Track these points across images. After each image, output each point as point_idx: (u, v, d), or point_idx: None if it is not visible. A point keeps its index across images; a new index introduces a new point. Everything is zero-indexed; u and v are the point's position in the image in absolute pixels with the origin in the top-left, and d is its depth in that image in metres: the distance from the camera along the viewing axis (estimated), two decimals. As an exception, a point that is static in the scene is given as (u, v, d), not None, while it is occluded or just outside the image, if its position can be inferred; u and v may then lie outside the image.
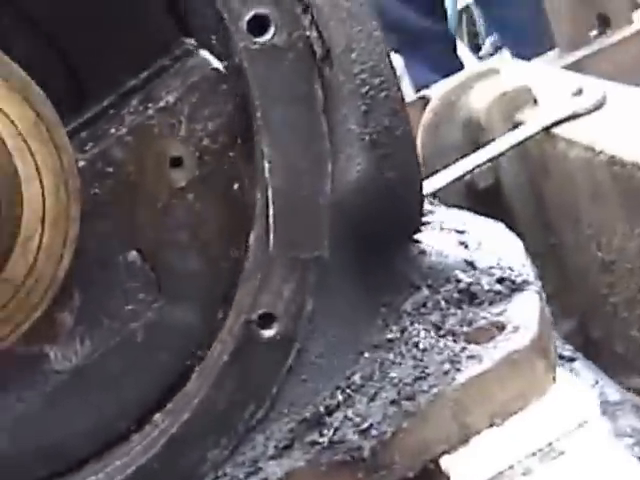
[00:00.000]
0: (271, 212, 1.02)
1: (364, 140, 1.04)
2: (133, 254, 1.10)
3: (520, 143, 2.11)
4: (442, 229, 1.34)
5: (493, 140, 2.15)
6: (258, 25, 0.98)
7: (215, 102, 1.08)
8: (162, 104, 1.07)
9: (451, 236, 1.32)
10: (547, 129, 2.09)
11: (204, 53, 1.13)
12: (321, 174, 1.03)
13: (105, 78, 1.12)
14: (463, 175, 2.09)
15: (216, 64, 1.09)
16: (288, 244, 1.04)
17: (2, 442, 1.12)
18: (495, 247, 1.29)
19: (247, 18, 0.98)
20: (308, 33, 0.99)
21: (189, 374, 1.11)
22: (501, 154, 2.12)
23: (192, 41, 1.17)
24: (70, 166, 1.01)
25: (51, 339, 1.11)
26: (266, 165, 1.01)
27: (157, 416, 1.11)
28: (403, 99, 1.04)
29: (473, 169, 2.09)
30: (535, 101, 2.24)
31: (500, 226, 1.38)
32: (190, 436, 1.08)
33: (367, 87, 1.02)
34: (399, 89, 1.03)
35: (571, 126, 2.05)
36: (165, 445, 1.08)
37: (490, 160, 2.12)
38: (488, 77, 2.35)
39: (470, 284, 1.19)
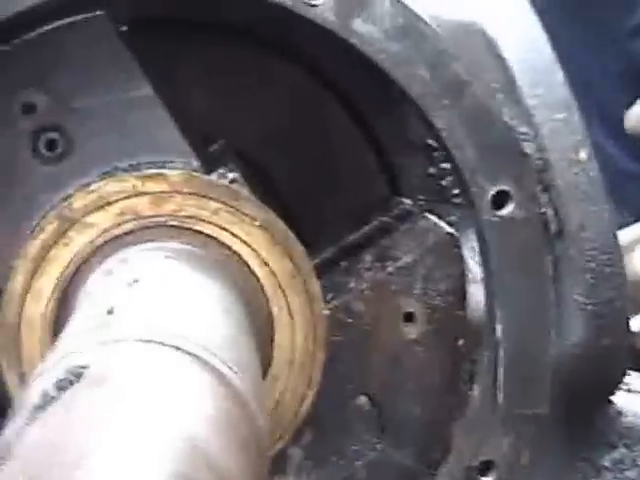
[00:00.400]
0: (501, 370, 1.11)
1: (586, 310, 1.13)
2: (363, 398, 1.20)
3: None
4: (629, 391, 1.41)
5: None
6: (500, 200, 1.10)
7: (448, 264, 1.19)
8: (401, 264, 1.18)
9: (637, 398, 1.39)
10: None
11: (432, 217, 1.25)
12: (547, 338, 1.12)
13: (324, 231, 1.24)
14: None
15: (449, 229, 1.20)
16: (514, 400, 1.13)
17: None
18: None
19: (492, 193, 1.09)
20: (545, 210, 1.10)
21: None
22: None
23: (409, 202, 1.30)
24: (320, 315, 1.13)
25: (281, 471, 1.21)
26: (498, 327, 1.11)
27: None
28: (625, 274, 1.13)
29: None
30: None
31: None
32: None
33: (595, 263, 1.12)
34: (623, 266, 1.13)
35: None
36: None
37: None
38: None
39: (666, 442, 1.26)
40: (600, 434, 1.26)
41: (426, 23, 1.07)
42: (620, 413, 1.28)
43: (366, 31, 1.06)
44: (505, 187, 1.09)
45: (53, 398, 0.68)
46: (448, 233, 1.20)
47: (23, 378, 1.10)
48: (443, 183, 1.44)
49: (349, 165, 1.39)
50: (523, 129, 1.07)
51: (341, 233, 1.28)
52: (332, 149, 1.39)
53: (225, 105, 1.28)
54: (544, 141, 1.07)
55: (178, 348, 0.72)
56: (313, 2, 1.05)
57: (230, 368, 0.73)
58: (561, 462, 1.21)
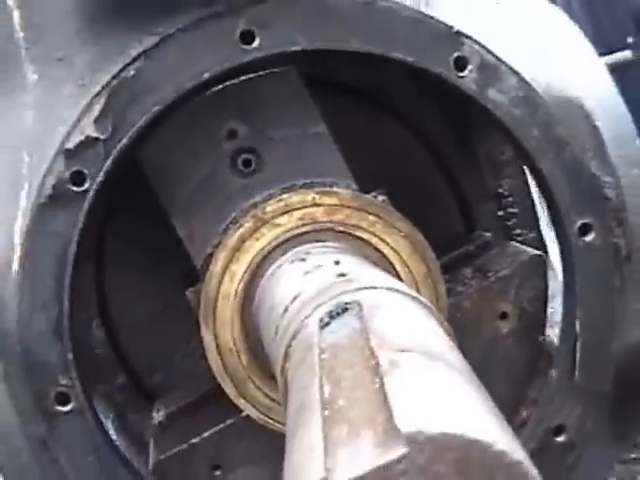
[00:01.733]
0: (578, 356, 1.48)
1: (644, 316, 1.51)
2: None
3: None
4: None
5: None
6: (584, 229, 1.47)
7: (536, 278, 1.56)
8: (500, 275, 1.55)
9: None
10: None
11: (513, 244, 1.63)
12: (612, 336, 1.49)
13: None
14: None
15: (534, 251, 1.58)
16: (587, 378, 1.49)
17: None
18: None
19: (579, 224, 1.46)
20: (617, 240, 1.47)
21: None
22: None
23: (487, 234, 1.69)
24: (443, 308, 1.49)
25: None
26: (577, 324, 1.48)
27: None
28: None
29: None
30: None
31: None
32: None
33: (653, 282, 1.49)
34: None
35: None
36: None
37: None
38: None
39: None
40: (637, 418, 1.62)
41: (541, 96, 1.44)
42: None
43: (498, 99, 1.43)
44: (589, 220, 1.46)
45: (330, 322, 1.03)
46: (537, 254, 1.57)
47: (216, 336, 1.45)
48: (508, 224, 1.85)
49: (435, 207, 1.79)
50: (607, 179, 1.45)
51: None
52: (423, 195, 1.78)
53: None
54: (623, 189, 1.45)
55: (401, 291, 1.09)
56: (460, 74, 1.42)
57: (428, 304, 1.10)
58: (611, 436, 1.57)
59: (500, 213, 1.90)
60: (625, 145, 1.46)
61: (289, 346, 1.08)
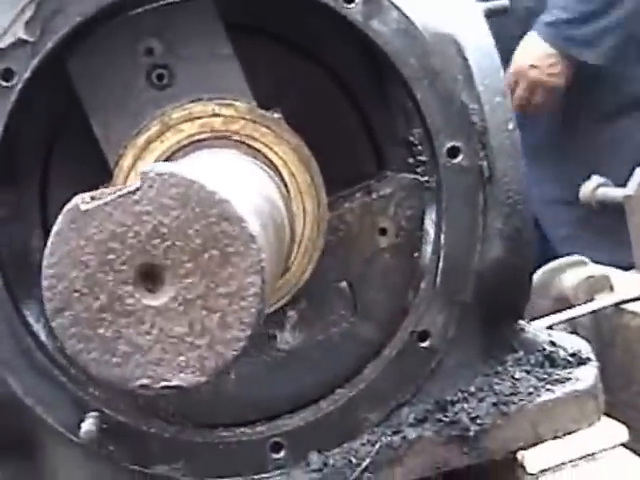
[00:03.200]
0: (440, 268, 1.68)
1: (503, 234, 1.70)
2: (344, 283, 1.76)
3: (593, 312, 2.76)
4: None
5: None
6: (453, 152, 1.67)
7: (414, 198, 1.76)
8: (382, 193, 1.76)
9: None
10: (617, 304, 2.74)
11: (403, 174, 1.84)
12: (474, 250, 1.69)
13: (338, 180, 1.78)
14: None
15: (413, 177, 1.78)
16: (447, 289, 1.69)
17: (230, 389, 1.74)
18: (571, 340, 1.92)
19: (448, 147, 1.67)
20: (481, 162, 1.68)
21: (365, 366, 1.74)
22: (576, 317, 2.77)
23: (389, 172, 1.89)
24: (324, 216, 1.69)
25: (280, 326, 1.76)
26: (442, 237, 1.68)
27: (340, 389, 1.73)
28: (530, 211, 1.71)
29: (552, 325, 2.72)
30: (611, 287, 2.91)
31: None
32: (360, 402, 1.71)
33: (510, 200, 1.69)
34: (529, 204, 1.70)
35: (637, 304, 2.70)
36: (344, 406, 1.70)
37: (567, 320, 2.77)
38: (579, 265, 3.04)
39: (552, 352, 1.82)
40: (506, 340, 1.81)
41: (419, 29, 1.66)
42: (523, 329, 1.84)
43: (380, 29, 1.65)
44: (457, 143, 1.67)
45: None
46: (415, 179, 1.78)
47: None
48: (418, 171, 2.04)
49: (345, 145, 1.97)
50: (473, 105, 1.66)
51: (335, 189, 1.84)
52: (333, 131, 1.96)
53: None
54: (486, 115, 1.66)
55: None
56: (347, 6, 1.64)
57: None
58: (474, 348, 1.76)
59: (410, 160, 2.08)
60: (490, 77, 1.68)
61: None
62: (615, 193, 3.89)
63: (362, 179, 1.96)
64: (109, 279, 1.08)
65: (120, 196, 1.02)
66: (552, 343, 1.87)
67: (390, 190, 1.78)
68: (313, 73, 1.99)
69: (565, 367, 1.82)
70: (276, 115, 1.71)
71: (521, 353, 1.82)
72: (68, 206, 1.04)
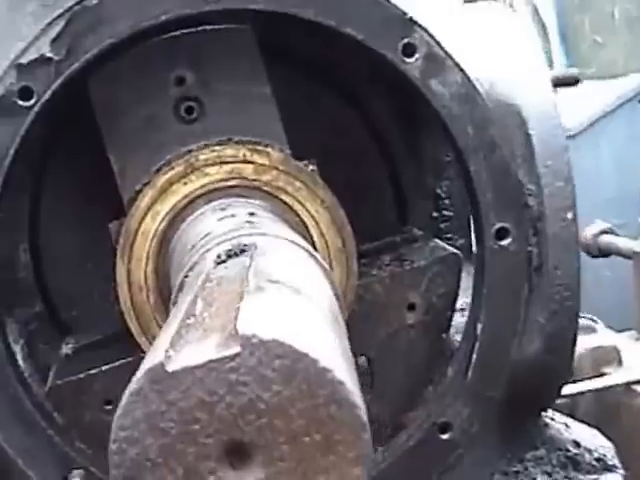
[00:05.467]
0: (473, 361, 1.57)
1: (545, 331, 1.60)
2: (363, 358, 1.65)
3: (600, 390, 2.66)
4: (552, 418, 1.87)
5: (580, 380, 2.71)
6: (501, 234, 1.56)
7: (447, 276, 1.65)
8: (415, 265, 1.65)
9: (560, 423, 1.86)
10: (628, 384, 2.65)
11: (437, 241, 1.73)
12: (511, 344, 1.59)
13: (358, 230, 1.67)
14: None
15: (454, 250, 1.67)
16: (477, 384, 1.58)
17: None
18: (594, 439, 1.82)
19: (496, 227, 1.56)
20: (531, 249, 1.57)
21: (376, 449, 1.62)
22: (581, 393, 2.67)
23: (416, 230, 1.79)
24: (352, 286, 1.58)
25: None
26: (479, 326, 1.57)
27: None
28: (578, 309, 1.61)
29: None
30: (620, 361, 2.81)
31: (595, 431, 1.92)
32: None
33: (559, 295, 1.59)
34: (578, 302, 1.60)
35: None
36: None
37: (569, 396, 2.67)
38: (586, 332, 2.94)
39: (576, 455, 1.72)
40: (528, 435, 1.71)
41: (481, 96, 1.54)
42: (547, 425, 1.74)
43: (439, 91, 1.53)
44: (507, 225, 1.56)
45: (226, 260, 1.13)
46: (454, 253, 1.67)
47: (129, 272, 1.54)
48: (441, 226, 1.95)
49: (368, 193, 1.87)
50: (531, 186, 1.55)
51: (359, 242, 1.72)
52: (359, 177, 1.87)
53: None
54: (544, 199, 1.55)
55: (297, 243, 1.18)
56: (406, 60, 1.53)
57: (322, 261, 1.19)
58: (496, 444, 1.66)
59: (435, 214, 1.99)
60: (554, 158, 1.56)
61: (186, 276, 1.17)
62: (623, 244, 3.81)
63: (383, 231, 1.86)
64: (189, 451, 0.91)
65: (214, 360, 0.86)
66: (576, 443, 1.77)
67: (425, 262, 1.67)
68: (346, 115, 1.89)
69: (589, 472, 1.72)
70: (311, 167, 1.59)
71: (543, 451, 1.72)
72: (151, 362, 0.88)
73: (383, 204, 1.94)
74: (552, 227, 1.57)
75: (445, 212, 1.99)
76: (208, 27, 1.59)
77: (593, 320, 3.24)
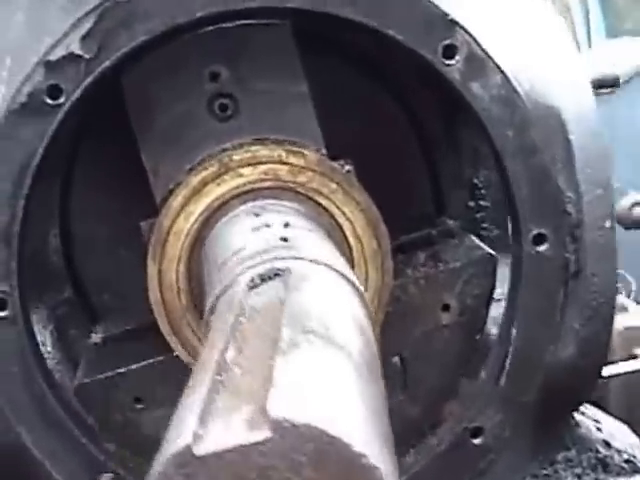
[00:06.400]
0: (507, 366, 1.57)
1: (579, 335, 1.59)
2: (396, 358, 1.65)
3: (633, 372, 2.65)
4: (583, 413, 1.88)
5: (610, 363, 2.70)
6: (539, 239, 1.55)
7: (482, 278, 1.65)
8: (451, 266, 1.64)
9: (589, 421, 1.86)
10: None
11: (473, 238, 1.72)
12: (546, 349, 1.58)
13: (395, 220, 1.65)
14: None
15: (490, 250, 1.66)
16: (512, 386, 1.58)
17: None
18: (623, 437, 1.82)
19: (534, 233, 1.55)
20: (569, 256, 1.56)
21: (408, 451, 1.64)
22: (612, 376, 2.66)
23: (451, 222, 1.78)
24: (387, 286, 1.57)
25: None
26: (513, 331, 1.57)
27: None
28: (613, 314, 1.60)
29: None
30: (652, 343, 2.80)
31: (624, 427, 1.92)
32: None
33: (595, 302, 1.58)
34: (614, 309, 1.59)
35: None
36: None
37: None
38: (618, 311, 2.92)
39: (605, 456, 1.72)
40: (559, 436, 1.72)
41: (521, 98, 1.52)
42: (577, 424, 1.75)
43: (479, 93, 1.51)
44: (545, 231, 1.55)
45: (259, 284, 1.12)
46: (489, 254, 1.66)
47: (160, 272, 1.54)
48: (477, 216, 1.94)
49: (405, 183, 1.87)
50: (570, 194, 1.53)
51: (395, 235, 1.72)
52: (397, 167, 1.86)
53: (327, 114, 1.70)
54: (583, 206, 1.54)
55: (334, 268, 1.18)
56: (447, 62, 1.51)
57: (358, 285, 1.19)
58: (528, 447, 1.66)
59: (471, 204, 1.97)
60: (594, 164, 1.55)
61: (217, 299, 1.17)
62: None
63: (420, 222, 1.86)
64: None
65: (244, 445, 0.85)
66: (606, 443, 1.78)
67: (459, 264, 1.66)
68: (386, 105, 1.88)
69: (619, 474, 1.73)
70: (347, 167, 1.58)
71: (573, 452, 1.73)
72: (177, 443, 0.87)
73: (420, 193, 1.93)
74: (590, 234, 1.56)
75: (481, 202, 1.97)
76: (245, 22, 1.57)
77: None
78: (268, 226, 1.37)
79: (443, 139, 1.93)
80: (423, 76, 1.80)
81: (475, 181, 1.97)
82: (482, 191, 1.97)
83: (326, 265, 1.19)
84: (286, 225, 1.39)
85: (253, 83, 1.59)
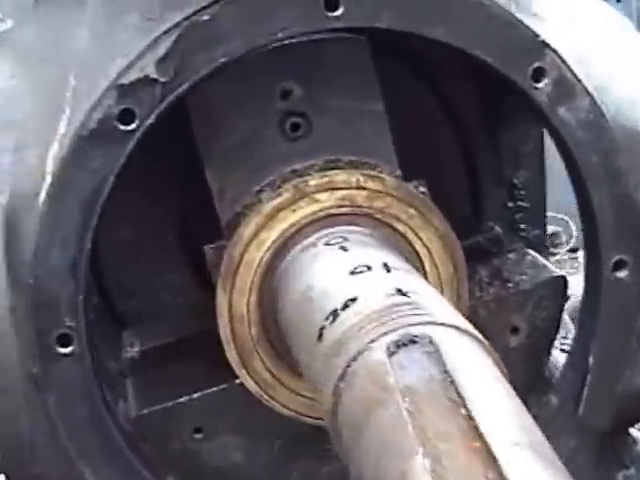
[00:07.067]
0: (586, 390, 1.55)
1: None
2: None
3: None
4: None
5: None
6: (619, 265, 1.52)
7: (552, 300, 1.62)
8: (521, 288, 1.61)
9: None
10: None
11: (532, 252, 1.69)
12: (623, 376, 1.56)
13: None
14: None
15: (560, 273, 1.63)
16: (590, 415, 1.57)
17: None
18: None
19: (614, 260, 1.52)
20: (648, 286, 1.54)
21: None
22: None
23: (498, 229, 1.75)
24: (462, 309, 1.52)
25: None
26: (590, 359, 1.54)
27: None
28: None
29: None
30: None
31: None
32: None
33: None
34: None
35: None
36: None
37: None
38: None
39: (664, 473, 1.73)
40: (619, 454, 1.71)
41: (608, 122, 1.48)
42: (635, 442, 1.74)
43: (566, 118, 1.46)
44: (625, 257, 1.52)
45: (395, 352, 1.07)
46: (560, 276, 1.63)
47: (231, 302, 1.47)
48: (516, 217, 1.91)
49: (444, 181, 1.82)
50: (654, 220, 1.51)
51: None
52: (436, 164, 1.81)
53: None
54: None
55: (463, 329, 1.13)
56: (536, 85, 1.45)
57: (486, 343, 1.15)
58: (593, 470, 1.65)
59: (510, 204, 1.94)
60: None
61: (348, 366, 1.11)
62: None
63: (460, 226, 1.82)
64: None
65: None
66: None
67: (530, 287, 1.63)
68: (429, 105, 1.82)
69: (676, 490, 1.74)
70: (422, 190, 1.52)
71: (632, 470, 1.73)
72: None
73: (459, 194, 1.89)
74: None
75: (520, 202, 1.94)
76: (320, 36, 1.48)
77: None
78: (369, 268, 1.31)
79: (483, 136, 1.89)
80: (464, 71, 1.74)
81: (515, 181, 1.93)
82: (522, 192, 1.93)
83: (456, 328, 1.14)
84: (386, 267, 1.32)
85: (327, 100, 1.50)
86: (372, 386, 1.06)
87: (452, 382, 1.01)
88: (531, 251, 1.75)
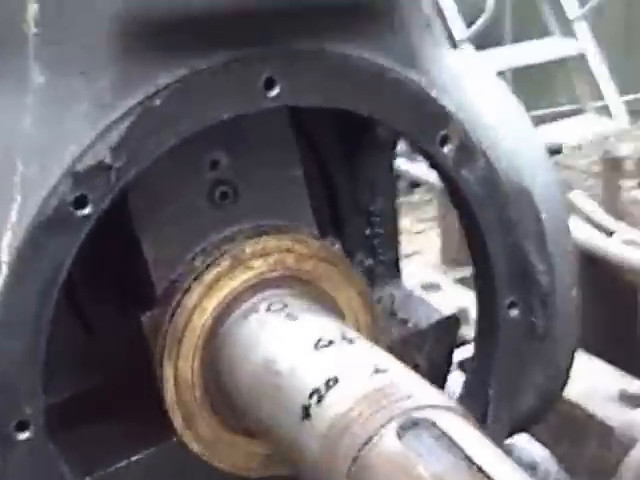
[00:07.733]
0: (489, 420, 1.73)
1: (540, 389, 1.78)
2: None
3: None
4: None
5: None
6: (511, 306, 1.71)
7: (448, 336, 1.79)
8: (420, 329, 1.77)
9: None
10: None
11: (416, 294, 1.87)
12: (514, 402, 1.76)
13: None
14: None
15: (449, 313, 1.81)
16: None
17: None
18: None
19: (507, 301, 1.71)
20: (536, 320, 1.73)
21: None
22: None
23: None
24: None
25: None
26: (490, 392, 1.73)
27: None
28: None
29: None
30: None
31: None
32: None
33: (560, 362, 1.77)
34: (572, 365, 1.80)
35: None
36: None
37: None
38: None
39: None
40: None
41: (500, 178, 1.66)
42: (509, 451, 1.96)
43: (467, 178, 1.63)
44: (515, 299, 1.71)
45: (403, 436, 1.19)
46: (450, 317, 1.81)
47: (176, 369, 1.53)
48: (374, 243, 2.06)
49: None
50: (542, 266, 1.71)
51: None
52: None
53: None
54: (554, 277, 1.71)
55: (454, 409, 1.27)
56: (442, 150, 1.61)
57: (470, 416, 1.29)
58: None
59: (367, 232, 2.07)
60: (561, 237, 1.73)
61: (360, 450, 1.21)
62: None
63: None
64: None
65: None
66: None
67: (425, 327, 1.79)
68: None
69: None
70: (337, 247, 1.65)
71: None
72: None
73: (323, 226, 2.01)
74: (560, 302, 1.74)
75: (377, 229, 2.08)
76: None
77: None
78: (331, 342, 1.41)
79: (343, 169, 1.99)
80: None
81: (372, 208, 2.06)
82: (377, 219, 2.07)
83: (449, 409, 1.26)
84: (347, 339, 1.43)
85: (251, 169, 1.59)
86: (398, 473, 1.18)
87: (480, 469, 1.14)
88: (406, 286, 1.91)
